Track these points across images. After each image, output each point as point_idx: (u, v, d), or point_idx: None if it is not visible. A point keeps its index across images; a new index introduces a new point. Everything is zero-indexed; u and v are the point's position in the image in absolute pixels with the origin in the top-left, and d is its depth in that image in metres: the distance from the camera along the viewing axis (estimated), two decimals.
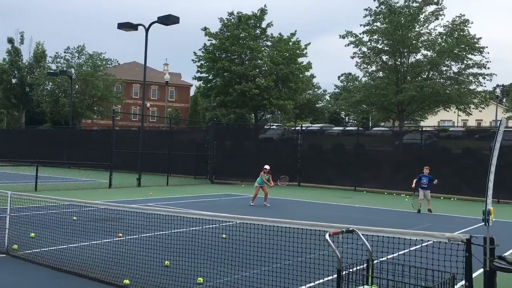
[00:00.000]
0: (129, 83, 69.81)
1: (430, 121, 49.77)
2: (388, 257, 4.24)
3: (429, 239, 4.37)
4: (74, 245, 8.46)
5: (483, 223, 4.10)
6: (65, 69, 45.48)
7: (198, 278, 6.66)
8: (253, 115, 43.30)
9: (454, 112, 37.76)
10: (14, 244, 8.24)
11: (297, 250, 6.21)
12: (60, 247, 8.21)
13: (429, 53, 32.49)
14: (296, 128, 34.07)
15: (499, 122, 4.33)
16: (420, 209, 15.90)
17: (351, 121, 75.10)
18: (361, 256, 4.39)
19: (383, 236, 4.69)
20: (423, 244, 4.75)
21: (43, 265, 7.35)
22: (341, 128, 38.47)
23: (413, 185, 16.22)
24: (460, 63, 31.90)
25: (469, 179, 22.16)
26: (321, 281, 6.17)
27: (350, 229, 4.12)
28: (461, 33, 31.38)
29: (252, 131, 33.36)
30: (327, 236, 3.82)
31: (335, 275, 4.33)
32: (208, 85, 39.60)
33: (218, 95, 38.35)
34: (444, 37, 31.86)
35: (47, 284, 6.50)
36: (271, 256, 7.03)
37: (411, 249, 4.77)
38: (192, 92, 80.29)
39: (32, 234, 9.23)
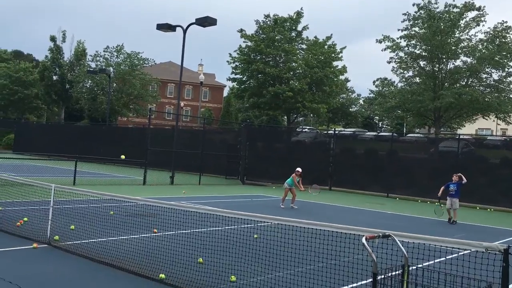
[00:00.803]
0: (164, 83, 70.96)
1: (468, 129, 48.59)
2: (424, 264, 4.26)
3: (466, 248, 4.36)
4: (112, 238, 8.74)
5: None
6: (104, 67, 46.73)
7: (231, 276, 6.79)
8: (285, 117, 43.35)
9: (493, 120, 36.73)
10: (56, 235, 8.59)
11: (331, 252, 6.26)
12: (98, 240, 8.50)
13: (468, 60, 31.75)
14: (329, 132, 33.91)
15: None
16: (449, 217, 15.34)
17: (384, 126, 74.01)
18: (396, 262, 4.42)
19: (418, 243, 4.70)
20: (459, 253, 4.73)
21: (83, 256, 7.64)
22: (374, 133, 38.08)
23: (440, 193, 15.49)
24: (501, 71, 31.04)
25: (506, 190, 21.60)
26: (355, 284, 6.20)
27: (387, 234, 4.16)
28: (503, 40, 30.52)
29: (284, 134, 33.42)
30: (363, 240, 3.88)
31: (369, 280, 4.38)
32: (242, 87, 39.90)
33: (252, 96, 38.58)
34: (485, 43, 31.07)
35: (87, 274, 6.76)
36: (305, 257, 7.11)
37: (447, 257, 4.77)
38: (225, 93, 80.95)
39: (72, 227, 9.58)
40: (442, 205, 15.65)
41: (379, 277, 3.57)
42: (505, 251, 4.06)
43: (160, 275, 6.68)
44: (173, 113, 42.78)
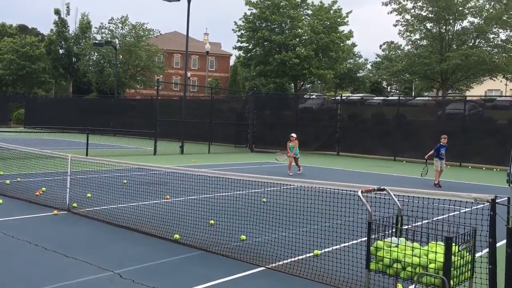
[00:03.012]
0: (170, 53, 70.71)
1: (476, 91, 48.24)
2: (418, 217, 4.60)
3: (457, 199, 4.69)
4: (127, 204, 9.20)
5: (508, 185, 4.37)
6: (109, 39, 46.72)
7: (241, 236, 7.21)
8: (292, 85, 43.32)
9: (501, 81, 36.50)
10: (74, 202, 9.06)
11: (335, 212, 6.64)
12: (114, 206, 8.96)
13: (476, 20, 31.39)
14: (336, 98, 33.98)
15: None
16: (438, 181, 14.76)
17: (393, 91, 73.56)
18: (392, 213, 4.77)
19: (413, 197, 5.05)
20: (453, 213, 5.06)
21: (101, 220, 8.12)
22: (382, 98, 38.01)
23: (427, 156, 15.12)
24: (508, 30, 30.70)
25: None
26: (356, 241, 6.61)
27: (381, 187, 4.50)
28: None
29: (292, 101, 33.55)
30: (359, 193, 4.22)
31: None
32: (248, 55, 39.82)
33: (258, 64, 38.56)
34: (492, 3, 30.63)
35: (107, 235, 7.22)
36: (309, 218, 7.50)
37: (439, 212, 5.11)
38: (232, 61, 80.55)
39: (89, 195, 10.05)
40: (425, 167, 15.29)
41: (373, 226, 3.92)
42: (492, 200, 4.39)
43: (175, 235, 7.11)
44: (181, 83, 42.99)
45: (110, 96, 45.67)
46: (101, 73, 49.65)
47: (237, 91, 55.02)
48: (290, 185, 10.53)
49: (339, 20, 37.46)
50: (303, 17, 38.43)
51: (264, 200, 10.39)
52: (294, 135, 17.17)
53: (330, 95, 51.97)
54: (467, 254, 3.81)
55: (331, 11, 37.59)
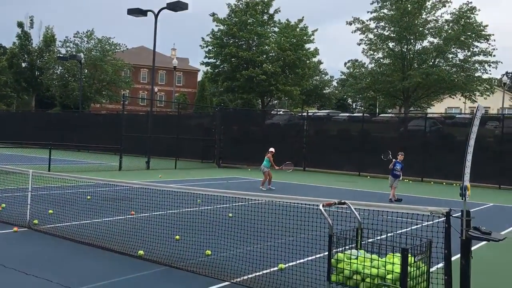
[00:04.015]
0: (137, 68, 70.24)
1: (437, 108, 49.87)
2: (377, 230, 4.75)
3: (414, 212, 4.89)
4: (91, 221, 9.06)
5: (461, 199, 4.59)
6: (74, 53, 46.04)
7: (206, 251, 7.22)
8: (259, 101, 43.66)
9: (460, 99, 37.92)
10: (35, 219, 8.85)
11: (299, 226, 6.75)
12: (77, 222, 8.81)
13: (435, 40, 32.64)
14: (302, 114, 34.48)
15: (476, 108, 4.80)
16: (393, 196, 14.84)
17: (358, 107, 75.18)
18: (353, 226, 4.91)
19: (373, 210, 5.22)
20: (412, 226, 5.25)
21: (63, 237, 7.95)
22: (347, 114, 38.78)
23: (390, 166, 15.04)
24: (466, 51, 32.04)
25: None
26: (320, 255, 6.73)
27: (342, 201, 4.64)
28: (468, 21, 31.46)
29: (259, 117, 33.80)
30: (320, 206, 4.34)
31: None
32: (216, 71, 40.00)
33: (226, 80, 38.74)
34: (451, 24, 31.97)
35: (69, 253, 7.08)
36: (274, 232, 7.57)
37: (398, 226, 5.28)
38: (199, 77, 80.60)
39: (51, 211, 9.82)
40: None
41: (334, 239, 4.04)
42: (447, 213, 4.60)
43: (139, 251, 7.05)
44: (147, 98, 42.71)
45: (74, 110, 44.83)
46: (65, 87, 48.75)
47: (204, 106, 55.02)
48: (257, 200, 10.59)
49: (305, 37, 38.18)
50: (270, 34, 39.01)
51: (231, 215, 10.41)
52: (272, 149, 17.60)
53: (296, 111, 52.62)
54: (423, 265, 3.97)
55: (298, 29, 38.30)
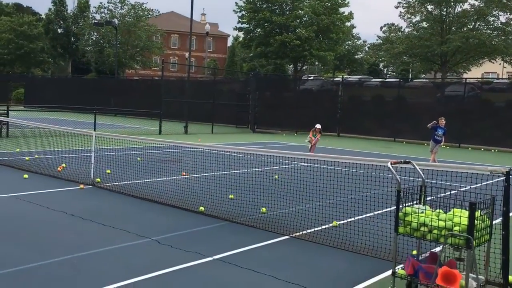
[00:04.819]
0: (167, 33, 70.43)
1: (473, 73, 48.66)
2: (439, 187, 5.03)
3: (473, 172, 5.13)
4: (148, 180, 9.60)
5: None
6: (109, 19, 46.52)
7: (262, 208, 7.64)
8: (291, 66, 43.52)
9: (500, 64, 36.88)
10: (97, 177, 9.44)
11: (348, 188, 7.10)
12: (134, 181, 9.37)
13: (476, 3, 31.62)
14: (335, 79, 34.28)
15: None
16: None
17: (389, 73, 73.77)
18: (411, 185, 5.20)
19: (433, 170, 5.49)
20: (468, 186, 5.49)
21: (128, 194, 8.51)
22: (380, 79, 38.33)
23: (430, 125, 14.77)
24: (508, 13, 30.96)
25: (510, 132, 22.28)
26: (380, 211, 7.08)
27: (407, 160, 4.92)
28: None
29: (292, 82, 33.81)
30: (389, 164, 4.62)
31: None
32: (249, 36, 39.89)
33: (259, 46, 38.65)
34: None
35: (137, 207, 7.61)
36: (322, 192, 7.90)
37: (457, 181, 5.54)
38: (229, 42, 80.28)
39: (108, 171, 10.42)
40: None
41: (402, 194, 4.35)
42: (507, 173, 4.81)
43: (200, 207, 7.53)
44: (186, 65, 42.96)
45: (110, 76, 45.69)
46: (101, 53, 49.54)
47: (238, 72, 55.09)
48: (300, 163, 10.95)
49: (339, 1, 37.52)
50: None
51: (277, 177, 10.82)
52: (319, 126, 15.95)
53: (327, 76, 52.17)
54: (487, 219, 4.24)
55: None
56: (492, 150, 22.22)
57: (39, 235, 5.94)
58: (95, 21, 47.47)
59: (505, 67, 42.23)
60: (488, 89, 27.43)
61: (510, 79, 41.35)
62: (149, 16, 50.48)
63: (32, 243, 5.62)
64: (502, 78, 44.02)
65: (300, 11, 37.48)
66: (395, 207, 4.40)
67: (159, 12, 52.09)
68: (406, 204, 4.41)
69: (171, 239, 5.98)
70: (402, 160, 4.83)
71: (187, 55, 70.20)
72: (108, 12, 49.29)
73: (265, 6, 37.68)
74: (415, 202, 4.54)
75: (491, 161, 17.11)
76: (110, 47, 48.30)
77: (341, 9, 38.17)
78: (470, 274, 4.07)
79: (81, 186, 8.92)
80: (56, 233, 6.08)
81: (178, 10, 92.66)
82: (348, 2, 38.04)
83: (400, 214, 4.38)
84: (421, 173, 4.82)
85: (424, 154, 18.89)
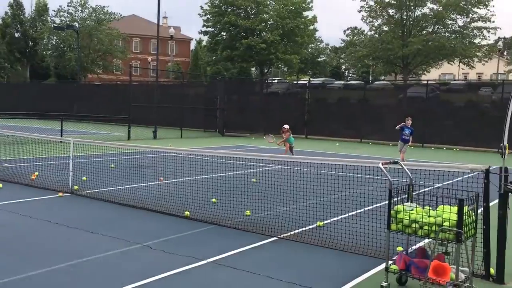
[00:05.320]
0: (129, 37, 69.43)
1: (431, 75, 50.38)
2: (422, 185, 5.29)
3: (455, 170, 5.43)
4: (126, 186, 9.53)
5: (500, 157, 5.11)
6: (69, 23, 45.47)
7: (246, 211, 7.74)
8: (254, 69, 43.76)
9: (458, 65, 38.39)
10: (75, 185, 9.30)
11: (320, 190, 7.32)
12: (114, 188, 9.28)
13: (435, 7, 32.81)
14: (300, 82, 34.79)
15: None
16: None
17: (350, 75, 75.41)
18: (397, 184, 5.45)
19: (417, 169, 5.76)
20: (451, 180, 5.80)
21: (109, 201, 8.43)
22: (342, 82, 39.15)
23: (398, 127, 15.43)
24: (465, 17, 32.32)
25: (470, 131, 23.23)
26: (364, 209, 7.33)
27: (396, 161, 5.16)
28: None
29: (258, 86, 34.04)
30: (380, 165, 4.84)
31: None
32: (214, 40, 39.91)
33: (225, 49, 38.73)
34: None
35: (121, 214, 7.56)
36: (296, 195, 8.06)
37: (435, 182, 5.84)
38: (192, 46, 79.90)
39: (84, 178, 10.26)
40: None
41: (393, 193, 4.57)
42: (486, 170, 5.12)
43: (185, 212, 7.56)
44: (153, 69, 42.40)
45: (71, 81, 44.65)
46: (61, 58, 48.32)
47: (203, 76, 54.87)
48: (270, 166, 11.13)
49: (303, 5, 38.10)
50: (269, 2, 38.83)
51: (254, 180, 10.94)
52: (286, 126, 16.36)
53: (291, 79, 52.78)
54: (473, 214, 4.51)
55: None
56: (454, 149, 23.09)
57: (28, 245, 5.85)
58: (55, 24, 46.28)
59: (463, 69, 43.93)
60: (446, 90, 28.50)
61: (466, 80, 43.07)
62: (111, 19, 49.65)
63: (23, 253, 5.54)
64: (458, 80, 45.75)
65: (265, 15, 37.84)
66: (387, 205, 4.62)
67: (121, 15, 51.32)
68: (397, 202, 4.64)
69: (162, 244, 6.01)
70: (391, 161, 5.06)
71: (149, 58, 69.58)
72: (68, 15, 48.19)
73: (230, 10, 37.83)
74: (405, 199, 4.78)
75: (455, 160, 17.81)
76: (71, 51, 47.21)
77: (305, 13, 38.77)
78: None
79: (60, 194, 8.78)
80: (45, 242, 6.00)
81: (139, 13, 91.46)
82: (312, 6, 38.71)
83: (392, 212, 4.60)
84: (408, 172, 5.06)
85: (391, 154, 19.46)
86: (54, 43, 50.23)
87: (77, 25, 46.40)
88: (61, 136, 19.80)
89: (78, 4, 48.51)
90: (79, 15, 48.66)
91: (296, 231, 6.74)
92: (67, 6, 48.54)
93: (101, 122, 32.51)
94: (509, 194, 5.08)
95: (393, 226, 4.61)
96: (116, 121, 30.03)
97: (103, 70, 53.35)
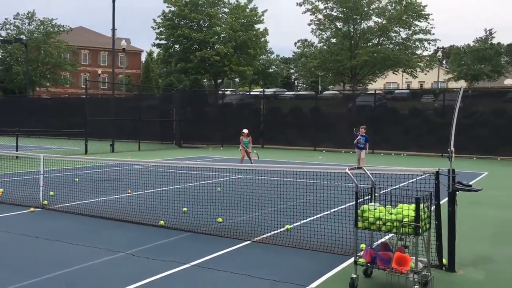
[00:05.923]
0: (78, 49, 68.04)
1: (377, 84, 52.67)
2: (382, 187, 5.94)
3: (409, 173, 6.13)
4: (96, 199, 9.71)
5: (448, 160, 5.84)
6: (15, 36, 44.19)
7: (218, 218, 8.17)
8: (207, 81, 44.14)
9: (402, 75, 40.48)
10: (45, 200, 9.38)
11: (279, 196, 7.90)
12: (85, 201, 9.45)
13: (379, 20, 34.61)
14: (252, 93, 35.60)
15: (460, 88, 6.07)
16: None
17: (300, 85, 77.33)
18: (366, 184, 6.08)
19: (377, 173, 6.43)
20: (400, 184, 6.49)
21: (83, 214, 8.61)
22: (293, 92, 40.28)
23: (355, 141, 16.66)
24: (407, 29, 34.29)
25: (415, 137, 24.68)
26: (329, 211, 7.92)
27: (359, 166, 5.79)
28: (409, 1, 33.64)
29: (213, 97, 34.46)
30: (347, 170, 5.45)
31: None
32: (168, 52, 40.04)
33: (179, 62, 38.92)
34: (393, 4, 34.01)
35: (93, 226, 7.76)
36: (258, 202, 8.61)
37: (391, 184, 6.52)
38: (143, 58, 79.24)
39: (52, 192, 10.32)
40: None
41: (359, 194, 5.17)
42: (436, 172, 5.84)
43: (160, 221, 7.89)
44: (108, 82, 41.87)
45: (19, 95, 43.29)
46: (8, 72, 46.75)
47: (156, 88, 54.56)
48: (234, 175, 11.65)
49: (255, 18, 38.99)
50: (221, 15, 39.47)
51: (219, 189, 11.36)
52: (246, 130, 17.46)
53: (243, 90, 53.54)
54: (427, 210, 5.18)
55: (247, 10, 39.01)
56: (402, 154, 24.42)
57: (15, 258, 6.02)
58: (1, 38, 44.79)
59: (406, 78, 46.25)
60: (391, 98, 30.04)
61: (410, 89, 45.38)
62: (60, 32, 48.61)
63: (12, 265, 5.72)
64: (402, 89, 48.15)
65: (217, 28, 38.41)
66: (354, 206, 5.22)
67: (70, 28, 50.33)
68: (362, 202, 5.25)
69: (145, 251, 6.34)
70: (356, 166, 5.68)
71: (99, 71, 68.40)
72: (15, 28, 46.78)
73: (183, 23, 38.13)
74: (367, 200, 5.40)
75: (405, 164, 18.93)
76: (19, 65, 45.81)
77: (257, 26, 39.67)
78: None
79: (32, 209, 8.86)
80: (30, 254, 6.19)
81: (87, 25, 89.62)
82: (263, 19, 39.69)
83: (359, 211, 5.20)
84: (371, 176, 5.70)
85: (344, 161, 20.44)
86: (0, 56, 48.55)
87: (24, 38, 45.15)
88: (17, 151, 19.44)
89: (25, 16, 47.24)
90: (27, 28, 47.39)
91: (268, 234, 7.24)
92: (14, 19, 47.18)
93: (51, 137, 31.76)
94: (457, 192, 5.82)
95: (360, 224, 5.20)
96: (69, 135, 29.52)
97: (52, 83, 52.02)
